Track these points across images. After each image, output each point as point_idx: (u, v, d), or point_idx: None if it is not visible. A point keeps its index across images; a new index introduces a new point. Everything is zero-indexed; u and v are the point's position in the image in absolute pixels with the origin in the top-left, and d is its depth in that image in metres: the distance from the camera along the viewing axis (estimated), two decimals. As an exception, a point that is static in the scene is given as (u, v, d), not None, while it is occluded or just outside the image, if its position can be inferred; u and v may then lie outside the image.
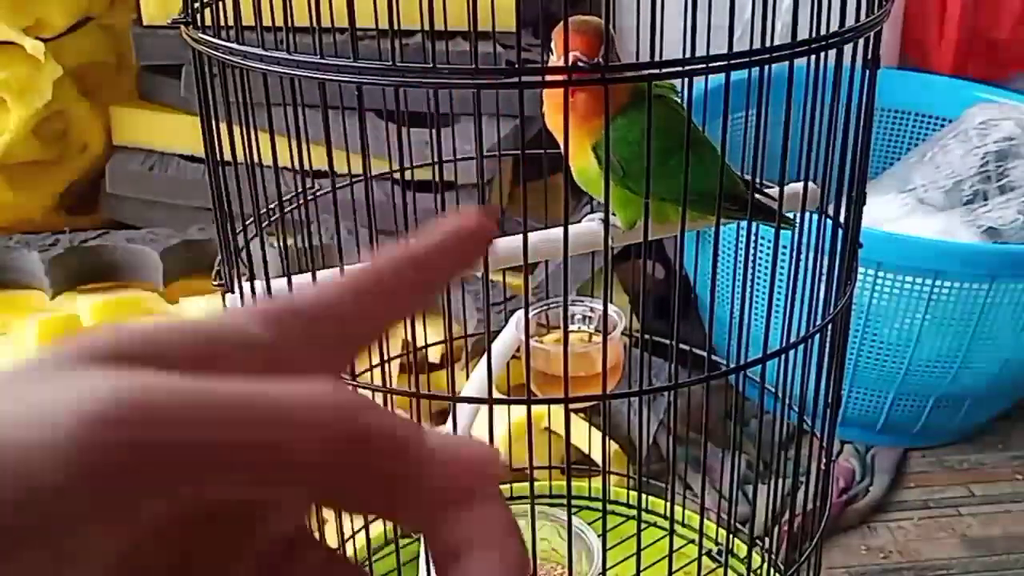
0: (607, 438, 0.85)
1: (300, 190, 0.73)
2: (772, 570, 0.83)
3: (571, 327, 0.77)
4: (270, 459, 0.16)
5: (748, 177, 0.62)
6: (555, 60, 0.64)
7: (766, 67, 0.56)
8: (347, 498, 0.18)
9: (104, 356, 0.17)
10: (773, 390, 0.72)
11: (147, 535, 0.17)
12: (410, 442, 0.18)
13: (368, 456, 0.17)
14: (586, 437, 1.24)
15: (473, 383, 0.76)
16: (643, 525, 0.72)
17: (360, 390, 0.64)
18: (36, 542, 0.15)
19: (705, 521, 0.76)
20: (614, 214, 0.72)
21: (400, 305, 0.23)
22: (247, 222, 0.66)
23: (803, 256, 0.67)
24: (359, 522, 0.85)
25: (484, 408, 0.65)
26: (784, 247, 0.65)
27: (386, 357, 0.78)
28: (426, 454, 0.18)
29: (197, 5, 0.60)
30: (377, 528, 0.91)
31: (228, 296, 0.67)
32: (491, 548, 0.19)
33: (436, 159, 0.67)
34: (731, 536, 0.84)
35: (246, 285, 0.65)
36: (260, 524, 0.20)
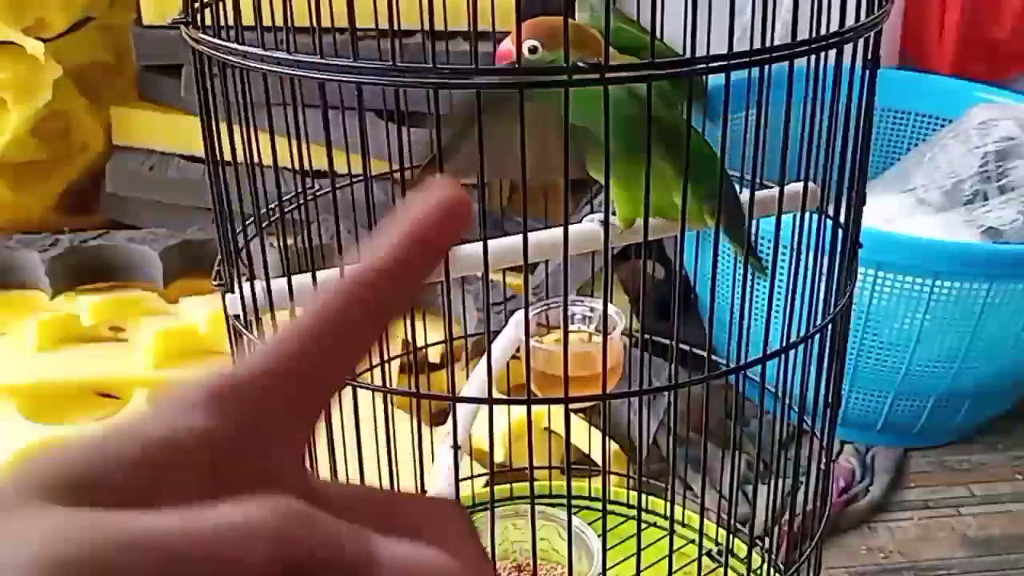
0: (607, 438, 0.85)
1: (300, 190, 0.73)
2: (772, 570, 0.83)
3: (571, 327, 0.77)
4: None
5: (748, 177, 0.62)
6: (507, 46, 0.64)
7: (766, 67, 0.56)
8: None
9: (50, 489, 0.17)
10: (773, 390, 0.72)
11: None
12: (356, 563, 0.17)
13: None
14: (586, 437, 1.24)
15: (473, 383, 0.76)
16: (643, 525, 0.72)
17: (360, 390, 0.64)
18: None
19: (705, 521, 0.76)
20: (614, 213, 0.72)
21: (379, 320, 0.22)
22: (247, 222, 0.66)
23: (803, 256, 0.67)
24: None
25: (484, 408, 0.65)
26: (784, 247, 0.65)
27: (386, 357, 0.78)
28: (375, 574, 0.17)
29: (197, 5, 0.60)
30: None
31: (228, 296, 0.67)
32: None
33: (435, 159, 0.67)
34: (731, 536, 0.84)
35: (246, 285, 0.65)
36: None
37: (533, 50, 0.63)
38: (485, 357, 0.66)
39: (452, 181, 0.23)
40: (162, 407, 0.19)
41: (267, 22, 0.60)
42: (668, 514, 0.94)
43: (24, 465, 0.18)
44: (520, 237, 0.58)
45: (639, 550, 0.70)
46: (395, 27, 0.54)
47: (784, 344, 0.65)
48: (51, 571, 0.15)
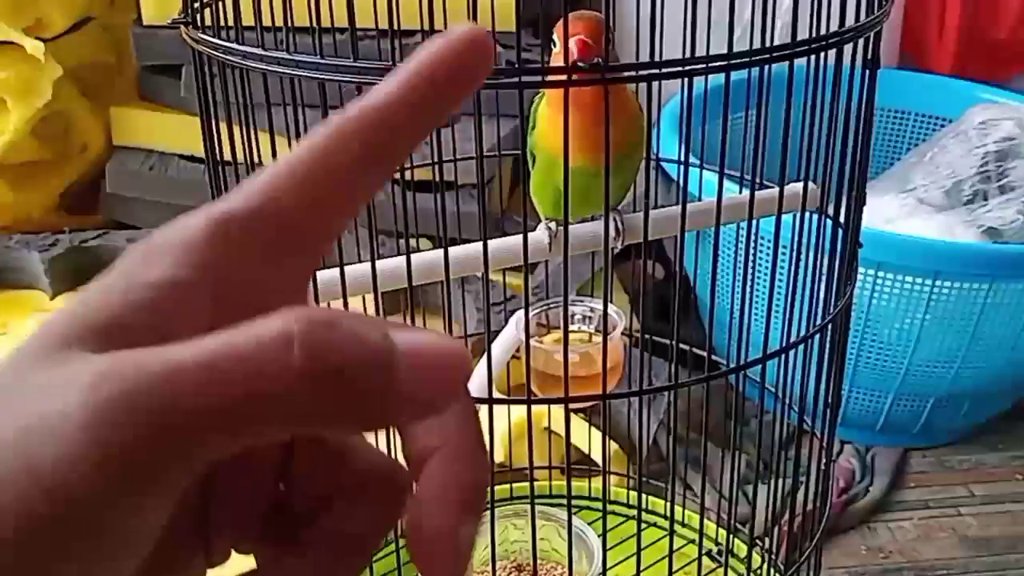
0: (607, 438, 0.85)
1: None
2: (772, 570, 0.83)
3: (571, 327, 0.77)
4: (252, 411, 0.17)
5: (748, 177, 0.62)
6: (557, 51, 0.64)
7: (766, 67, 0.56)
8: (327, 421, 0.18)
9: (78, 338, 0.18)
10: (773, 390, 0.72)
11: (174, 503, 0.17)
12: (380, 354, 0.18)
13: (340, 380, 0.17)
14: (586, 437, 1.24)
15: (473, 383, 0.76)
16: (643, 525, 0.72)
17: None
18: (85, 537, 0.16)
19: (705, 521, 0.76)
20: (617, 222, 0.72)
21: (382, 159, 0.21)
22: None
23: (803, 256, 0.67)
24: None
25: (484, 408, 0.65)
26: (784, 247, 0.65)
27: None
28: (398, 362, 0.18)
29: (197, 5, 0.60)
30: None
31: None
32: (458, 460, 0.20)
33: (436, 159, 0.67)
34: (731, 536, 0.84)
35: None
36: (255, 457, 0.21)
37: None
38: (485, 357, 0.66)
39: (474, 25, 0.21)
40: (162, 248, 0.19)
41: (267, 22, 0.60)
42: (668, 514, 0.94)
43: (45, 323, 0.18)
44: (520, 237, 0.58)
45: (639, 550, 0.70)
46: (395, 27, 0.54)
47: (784, 344, 0.65)
48: (109, 408, 0.16)
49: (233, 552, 0.22)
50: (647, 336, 0.93)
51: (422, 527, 0.20)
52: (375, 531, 0.22)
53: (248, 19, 0.58)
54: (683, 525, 0.96)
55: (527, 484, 0.93)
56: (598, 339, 0.80)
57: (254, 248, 0.19)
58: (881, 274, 1.48)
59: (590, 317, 0.85)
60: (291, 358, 0.17)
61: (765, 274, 0.99)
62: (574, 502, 0.97)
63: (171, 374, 0.16)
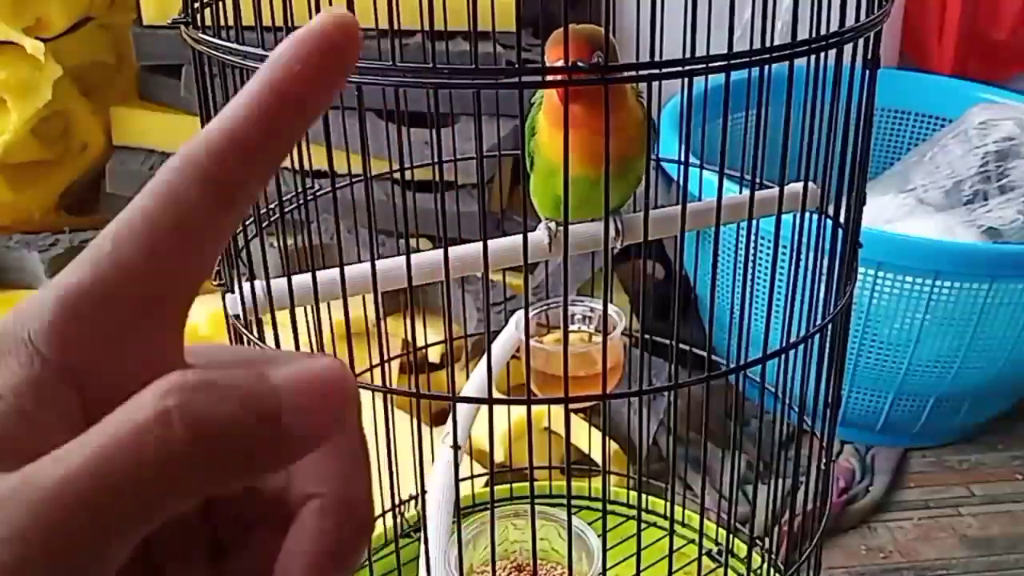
0: (607, 438, 0.85)
1: (300, 190, 0.73)
2: (772, 570, 0.83)
3: (571, 327, 0.77)
4: (148, 497, 0.16)
5: (748, 177, 0.62)
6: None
7: (766, 67, 0.56)
8: (224, 480, 0.17)
9: None
10: (773, 390, 0.72)
11: None
12: (262, 406, 0.17)
13: (227, 441, 0.17)
14: (586, 437, 1.24)
15: (473, 383, 0.76)
16: (643, 525, 0.72)
17: (360, 390, 0.64)
18: None
19: (705, 521, 0.76)
20: (616, 224, 0.72)
21: (233, 197, 0.19)
22: (247, 222, 0.66)
23: (803, 256, 0.67)
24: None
25: (484, 408, 0.65)
26: (784, 247, 0.65)
27: (386, 357, 0.78)
28: (284, 404, 0.17)
29: (197, 5, 0.60)
30: (377, 528, 0.91)
31: (228, 296, 0.67)
32: (333, 514, 0.19)
33: (436, 159, 0.67)
34: (731, 536, 0.84)
35: (246, 285, 0.65)
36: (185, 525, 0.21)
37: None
38: (485, 357, 0.66)
39: (338, 13, 0.19)
40: (10, 343, 0.18)
41: (267, 22, 0.60)
42: (668, 514, 0.94)
43: None
44: (520, 237, 0.58)
45: (639, 550, 0.70)
46: (395, 27, 0.54)
47: (784, 344, 0.65)
48: (10, 538, 0.16)
49: None
50: (647, 336, 0.93)
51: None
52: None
53: (248, 19, 0.58)
54: (683, 525, 0.96)
55: (527, 484, 0.93)
56: (598, 339, 0.80)
57: (110, 321, 0.18)
58: (881, 274, 1.48)
59: (590, 317, 0.85)
60: (173, 435, 0.16)
61: (765, 274, 0.99)
62: (574, 502, 0.97)
63: (60, 488, 0.16)
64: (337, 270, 0.60)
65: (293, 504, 0.20)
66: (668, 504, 0.94)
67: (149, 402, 0.16)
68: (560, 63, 0.59)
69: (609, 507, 0.93)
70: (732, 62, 0.52)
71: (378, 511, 0.90)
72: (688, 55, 0.52)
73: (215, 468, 0.17)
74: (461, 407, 0.72)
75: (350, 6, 0.51)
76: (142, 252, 0.18)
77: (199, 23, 0.60)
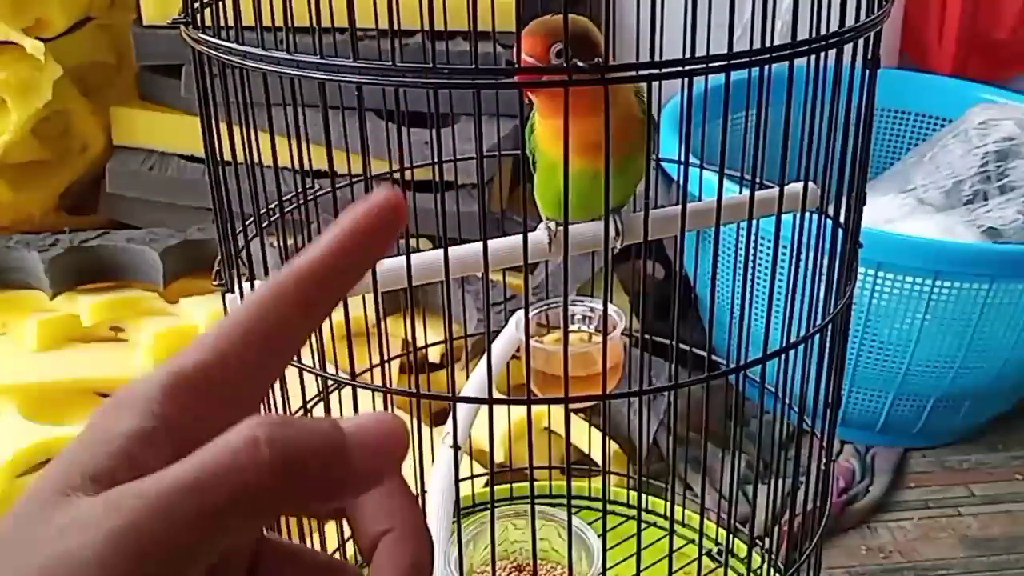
0: (607, 438, 0.85)
1: (300, 190, 0.73)
2: (772, 570, 0.83)
3: (571, 327, 0.77)
4: (239, 508, 0.20)
5: (748, 177, 0.62)
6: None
7: (766, 67, 0.56)
8: (301, 501, 0.21)
9: (75, 487, 0.21)
10: (773, 390, 0.72)
11: None
12: (335, 440, 0.21)
13: (306, 467, 0.20)
14: (586, 437, 1.24)
15: (473, 383, 0.76)
16: (643, 525, 0.72)
17: (360, 390, 0.64)
18: None
19: (705, 521, 0.76)
20: (615, 226, 0.72)
21: (314, 315, 0.24)
22: (247, 222, 0.66)
23: (803, 256, 0.67)
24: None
25: (484, 408, 0.65)
26: (784, 247, 0.65)
27: (386, 357, 0.78)
28: (350, 443, 0.21)
29: (197, 5, 0.60)
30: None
31: (228, 296, 0.67)
32: (406, 540, 0.24)
33: (436, 159, 0.67)
34: (731, 536, 0.84)
35: (246, 285, 0.65)
36: (236, 554, 0.24)
37: (560, 54, 0.63)
38: (485, 357, 0.66)
39: (388, 187, 0.25)
40: (128, 401, 0.22)
41: (267, 22, 0.60)
42: (668, 514, 0.94)
43: (39, 479, 0.21)
44: (520, 237, 0.58)
45: (639, 550, 0.70)
46: (395, 27, 0.54)
47: (784, 344, 0.65)
48: (126, 537, 0.19)
49: None
50: (647, 336, 0.93)
51: None
52: None
53: (248, 19, 0.58)
54: (683, 525, 0.96)
55: (527, 484, 0.93)
56: (598, 339, 0.80)
57: (203, 400, 0.23)
58: (881, 274, 1.48)
59: (590, 317, 0.85)
60: (261, 456, 0.20)
61: (765, 274, 0.99)
62: (574, 502, 0.97)
63: (165, 494, 0.19)
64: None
65: (365, 548, 0.24)
66: (668, 504, 0.94)
67: (241, 430, 0.20)
68: (526, 57, 0.60)
69: (609, 507, 0.93)
70: (732, 62, 0.52)
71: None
72: (688, 55, 0.52)
73: (292, 488, 0.20)
74: (461, 407, 0.72)
75: (350, 6, 0.52)
76: (239, 348, 0.23)
77: (199, 23, 0.60)
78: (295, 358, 0.24)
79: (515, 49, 0.61)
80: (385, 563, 0.23)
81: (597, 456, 1.24)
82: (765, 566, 0.84)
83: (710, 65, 0.51)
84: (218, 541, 0.20)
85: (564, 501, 0.94)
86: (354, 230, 0.24)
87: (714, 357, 0.80)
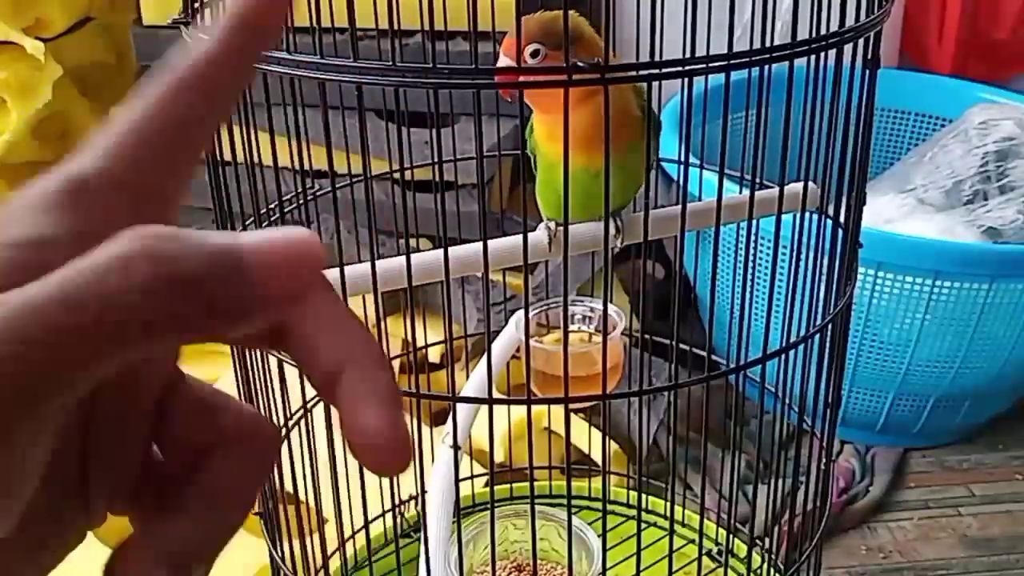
0: (607, 438, 0.85)
1: (300, 190, 0.73)
2: (772, 570, 0.83)
3: (571, 327, 0.77)
4: (109, 329, 0.17)
5: (748, 177, 0.62)
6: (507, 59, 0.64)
7: (766, 67, 0.56)
8: (187, 327, 0.18)
9: None
10: (773, 390, 0.72)
11: (51, 437, 0.19)
12: (227, 256, 0.19)
13: (191, 285, 0.18)
14: (586, 437, 1.24)
15: (473, 383, 0.76)
16: (643, 525, 0.72)
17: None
18: None
19: (705, 521, 0.76)
20: (617, 225, 0.72)
21: (212, 107, 0.22)
22: (247, 222, 0.66)
23: (803, 256, 0.67)
24: (359, 522, 0.85)
25: (484, 408, 0.65)
26: (784, 247, 0.65)
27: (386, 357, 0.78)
28: (248, 260, 0.19)
29: (197, 5, 0.60)
30: (377, 528, 0.91)
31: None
32: (371, 366, 0.21)
33: (436, 159, 0.67)
34: (731, 536, 0.84)
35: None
36: (133, 376, 0.22)
37: (535, 54, 0.63)
38: (485, 357, 0.66)
39: None
40: (21, 210, 0.20)
41: (267, 22, 0.60)
42: (668, 514, 0.94)
43: None
44: (520, 237, 0.58)
45: (639, 550, 0.70)
46: (395, 27, 0.54)
47: (784, 344, 0.65)
48: None
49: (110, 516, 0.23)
50: (647, 336, 0.93)
51: (366, 431, 0.20)
52: (249, 483, 0.22)
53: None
54: (683, 525, 0.96)
55: (527, 484, 0.93)
56: (598, 339, 0.80)
57: (106, 207, 0.20)
58: (881, 274, 1.48)
59: (590, 317, 0.85)
60: (136, 272, 0.17)
61: (765, 274, 0.99)
62: (574, 502, 0.97)
63: (26, 305, 0.17)
64: (337, 270, 0.60)
65: (321, 384, 0.21)
66: (668, 504, 0.94)
67: (119, 242, 0.18)
68: (502, 57, 0.60)
69: (609, 507, 0.93)
70: (732, 62, 0.52)
71: (378, 511, 0.90)
72: (688, 55, 0.52)
73: (174, 311, 0.18)
74: (461, 407, 0.72)
75: (350, 6, 0.52)
76: (138, 148, 0.21)
77: (199, 23, 0.60)
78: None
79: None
80: (361, 391, 0.21)
81: (597, 456, 1.24)
82: (765, 566, 0.84)
83: (710, 65, 0.51)
84: (82, 370, 0.17)
85: (564, 501, 0.94)
86: (242, 10, 0.22)
87: (714, 357, 0.80)
